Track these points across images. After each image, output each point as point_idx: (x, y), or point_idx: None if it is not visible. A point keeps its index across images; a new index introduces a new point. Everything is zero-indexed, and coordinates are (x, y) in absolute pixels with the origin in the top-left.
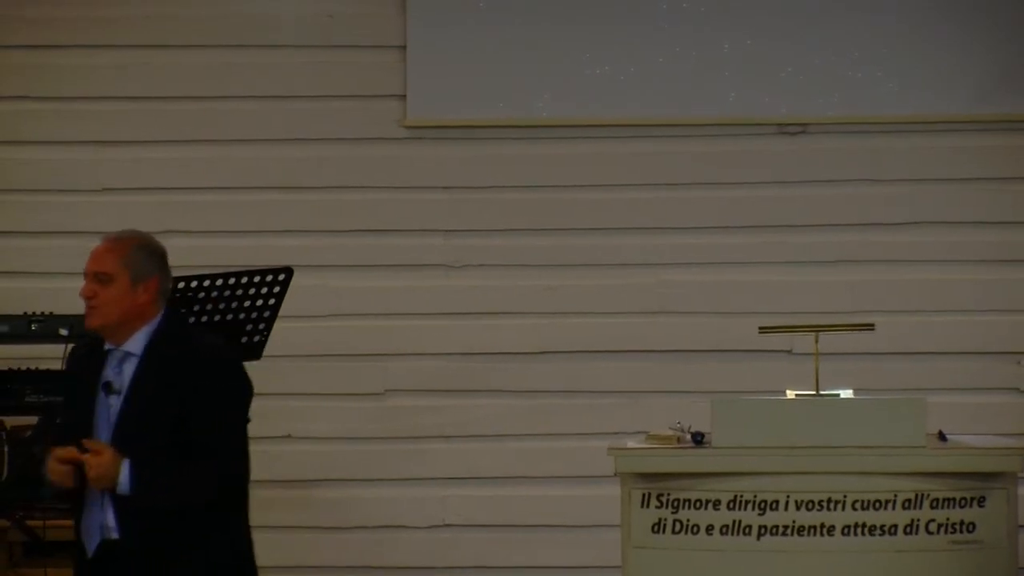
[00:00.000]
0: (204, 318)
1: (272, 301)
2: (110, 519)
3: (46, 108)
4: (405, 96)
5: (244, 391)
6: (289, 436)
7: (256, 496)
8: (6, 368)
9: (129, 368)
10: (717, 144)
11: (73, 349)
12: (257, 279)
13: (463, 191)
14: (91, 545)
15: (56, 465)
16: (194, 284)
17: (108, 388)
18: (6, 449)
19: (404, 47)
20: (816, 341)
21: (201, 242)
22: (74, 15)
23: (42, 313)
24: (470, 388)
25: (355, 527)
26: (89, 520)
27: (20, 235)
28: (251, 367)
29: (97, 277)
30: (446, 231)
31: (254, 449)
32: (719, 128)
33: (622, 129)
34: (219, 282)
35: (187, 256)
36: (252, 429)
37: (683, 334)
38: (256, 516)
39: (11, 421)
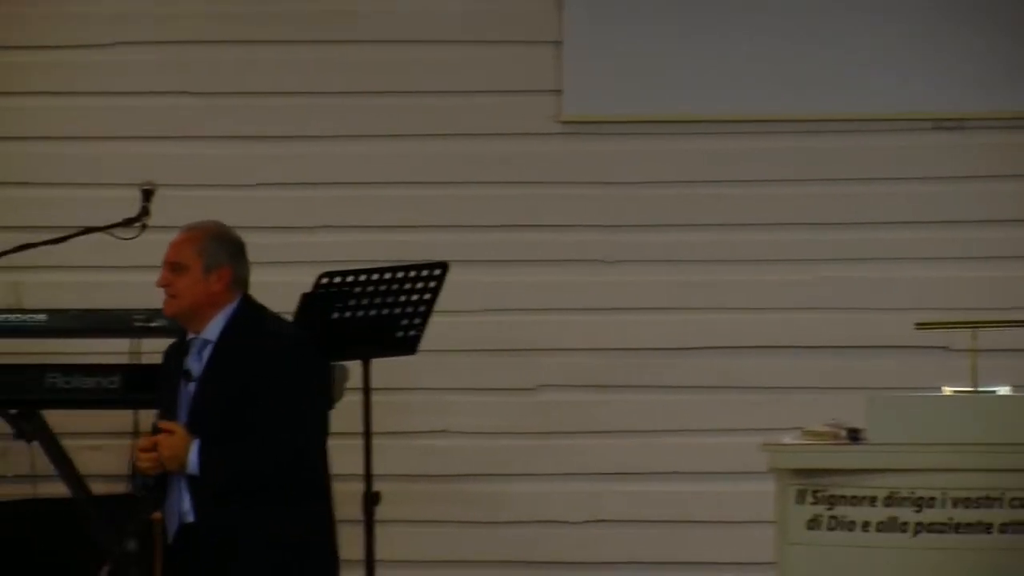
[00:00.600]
0: (359, 312)
1: (427, 296)
2: (186, 504)
3: (206, 104)
4: (561, 91)
5: (311, 376)
6: (444, 431)
7: (410, 490)
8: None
9: (206, 355)
10: (872, 140)
11: (166, 349)
12: (412, 274)
13: (618, 187)
14: (171, 531)
15: (139, 453)
16: (349, 279)
17: (187, 375)
18: None
19: (560, 42)
20: (974, 337)
21: (356, 237)
22: (238, 11)
23: None
24: (623, 384)
25: (508, 522)
26: (169, 506)
27: (175, 230)
28: (406, 362)
29: (172, 266)
30: (601, 226)
31: (411, 443)
32: (874, 123)
33: (777, 124)
34: (374, 277)
35: (342, 251)
36: (409, 423)
37: (839, 330)
38: (410, 510)
39: None
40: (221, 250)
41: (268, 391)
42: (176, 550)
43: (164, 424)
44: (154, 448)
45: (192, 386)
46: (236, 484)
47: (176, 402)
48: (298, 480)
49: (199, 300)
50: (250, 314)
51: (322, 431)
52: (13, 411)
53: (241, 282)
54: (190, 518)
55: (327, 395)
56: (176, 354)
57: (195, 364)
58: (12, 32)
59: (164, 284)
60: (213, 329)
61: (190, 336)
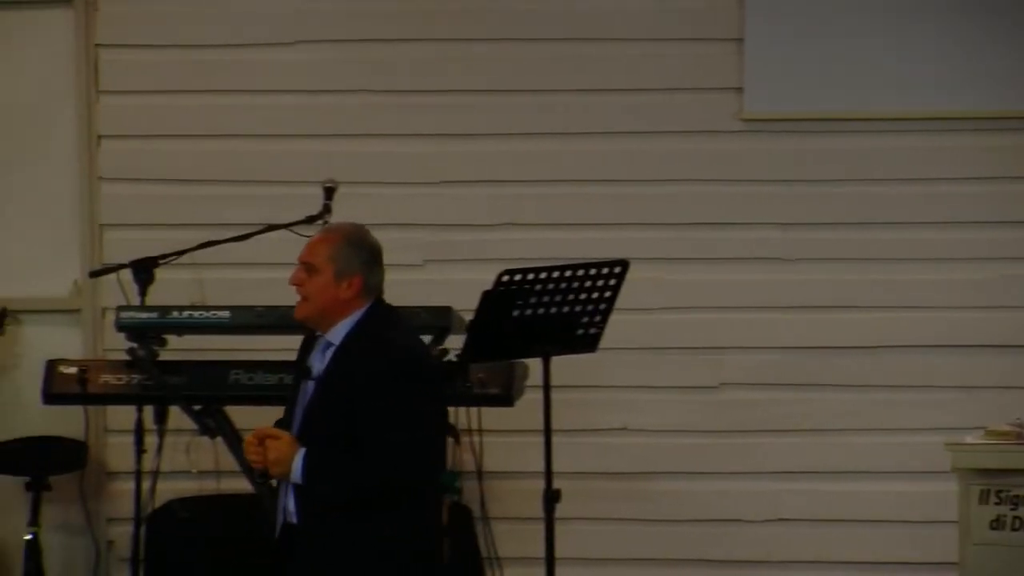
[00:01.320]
0: (540, 310)
1: (608, 294)
2: (291, 503)
3: (389, 102)
4: (742, 89)
5: (424, 390)
6: (625, 428)
7: (590, 488)
8: None
9: (328, 357)
10: None
11: (304, 338)
12: (594, 272)
13: (800, 184)
14: (277, 527)
15: (248, 447)
16: (531, 276)
17: (307, 373)
18: None
19: (741, 40)
20: None
21: (539, 235)
22: (421, 8)
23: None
24: (805, 382)
25: (689, 520)
26: (277, 503)
27: None
28: (586, 359)
29: (305, 267)
30: (782, 224)
31: (591, 440)
32: None
33: (961, 122)
34: (555, 275)
35: (524, 249)
36: (589, 421)
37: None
38: (590, 508)
39: None
40: (354, 257)
41: (379, 405)
42: (279, 548)
43: (271, 430)
44: (262, 444)
45: (310, 385)
46: (339, 496)
47: (295, 397)
48: (404, 490)
49: (328, 305)
50: (375, 322)
51: (432, 444)
52: (197, 407)
53: (372, 289)
54: (294, 519)
55: (441, 410)
56: (305, 349)
57: (317, 363)
58: (196, 31)
59: (296, 283)
60: (338, 332)
61: (318, 333)
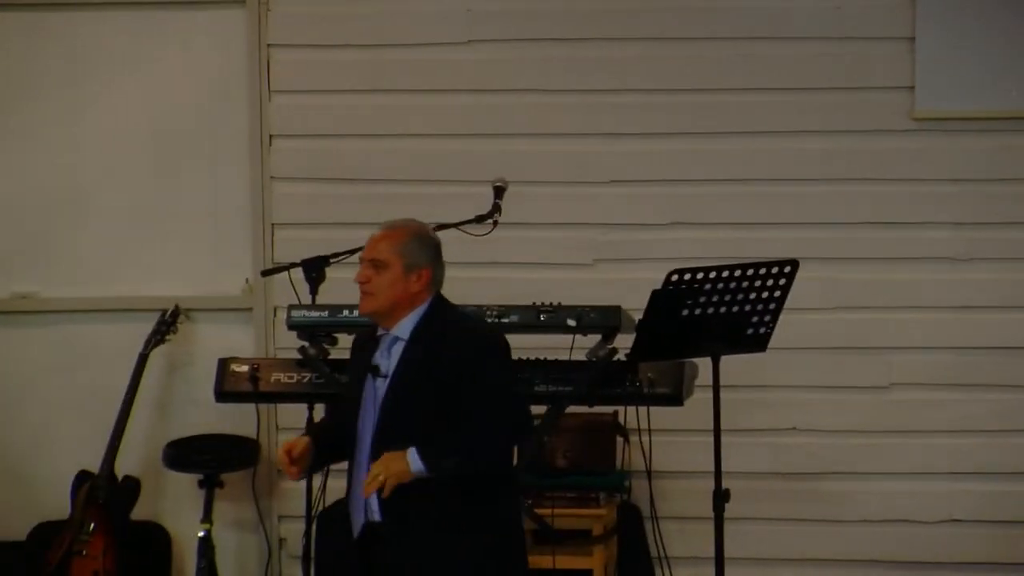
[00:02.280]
0: (710, 310)
1: (778, 293)
2: (374, 502)
3: (559, 101)
4: (914, 87)
5: (509, 373)
6: (794, 428)
7: (760, 487)
8: (516, 358)
9: (396, 352)
10: None
11: (355, 337)
12: (763, 271)
13: (972, 183)
14: (357, 526)
15: (281, 454)
16: (700, 276)
17: (375, 371)
18: None
19: (913, 38)
20: None
21: (708, 234)
22: (592, 8)
23: (550, 304)
24: (976, 382)
25: (859, 520)
26: (355, 501)
27: (530, 226)
28: (756, 359)
29: (372, 263)
30: (955, 224)
31: (761, 440)
32: None
33: None
34: (725, 274)
35: (694, 248)
36: (758, 421)
37: None
38: (760, 508)
39: None
40: (422, 251)
41: (477, 384)
42: (362, 546)
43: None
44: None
45: (381, 383)
46: (458, 472)
47: (361, 397)
48: (493, 479)
49: (397, 299)
50: (442, 313)
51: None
52: None
53: (437, 283)
54: (377, 517)
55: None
56: (363, 348)
57: (384, 360)
58: (367, 31)
59: (363, 281)
60: (405, 327)
61: (380, 332)
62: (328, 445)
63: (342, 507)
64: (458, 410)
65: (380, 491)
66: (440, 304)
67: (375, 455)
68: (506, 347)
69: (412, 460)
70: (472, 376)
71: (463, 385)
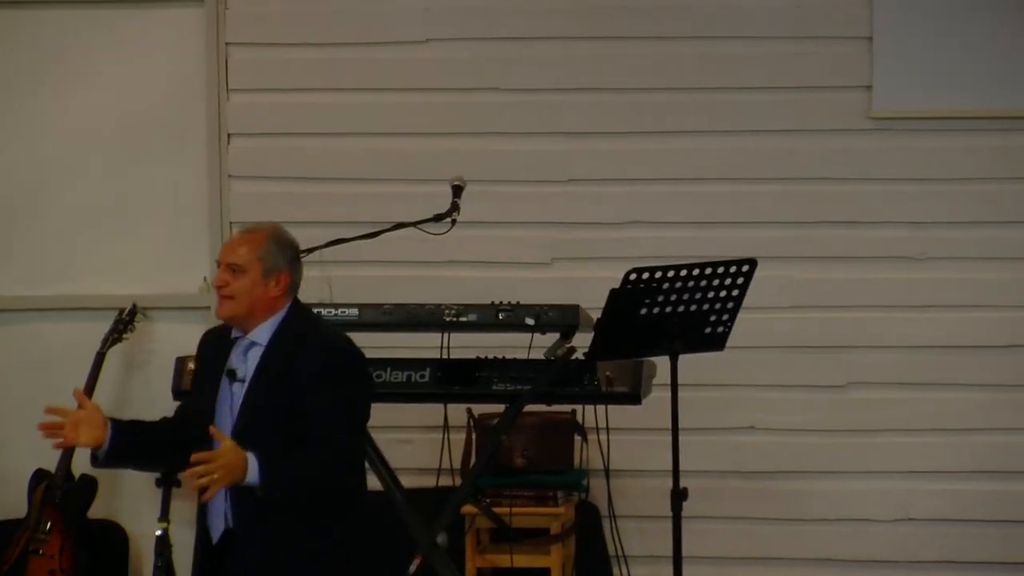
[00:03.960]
0: (668, 308)
1: (735, 292)
2: (229, 508)
3: (517, 100)
4: (871, 87)
5: (360, 387)
6: (752, 427)
7: (719, 486)
8: (473, 357)
9: (253, 357)
10: None
11: (203, 335)
12: (721, 270)
13: (929, 183)
14: (216, 532)
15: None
16: (658, 275)
17: (232, 375)
18: (474, 437)
19: (870, 38)
20: None
21: (666, 233)
22: (552, 6)
23: (509, 303)
24: (933, 381)
25: (816, 519)
26: (214, 508)
27: (489, 225)
28: (714, 358)
29: (230, 268)
30: (912, 223)
31: (718, 439)
32: None
33: None
34: (683, 273)
35: (651, 247)
36: (717, 420)
37: None
38: (718, 506)
39: (479, 409)
40: (280, 254)
41: (322, 400)
42: (220, 553)
43: (209, 454)
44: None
45: (238, 387)
46: (296, 494)
47: (215, 400)
48: (341, 491)
49: (256, 304)
50: (301, 319)
51: (362, 444)
52: None
53: (295, 287)
54: (232, 523)
55: (368, 408)
56: (216, 349)
57: (241, 365)
58: (325, 29)
59: (221, 285)
60: (263, 332)
61: (235, 335)
62: (138, 439)
63: (201, 511)
64: (301, 426)
65: (239, 504)
66: (298, 310)
67: None
68: (362, 359)
69: (250, 469)
70: (320, 388)
71: (312, 395)
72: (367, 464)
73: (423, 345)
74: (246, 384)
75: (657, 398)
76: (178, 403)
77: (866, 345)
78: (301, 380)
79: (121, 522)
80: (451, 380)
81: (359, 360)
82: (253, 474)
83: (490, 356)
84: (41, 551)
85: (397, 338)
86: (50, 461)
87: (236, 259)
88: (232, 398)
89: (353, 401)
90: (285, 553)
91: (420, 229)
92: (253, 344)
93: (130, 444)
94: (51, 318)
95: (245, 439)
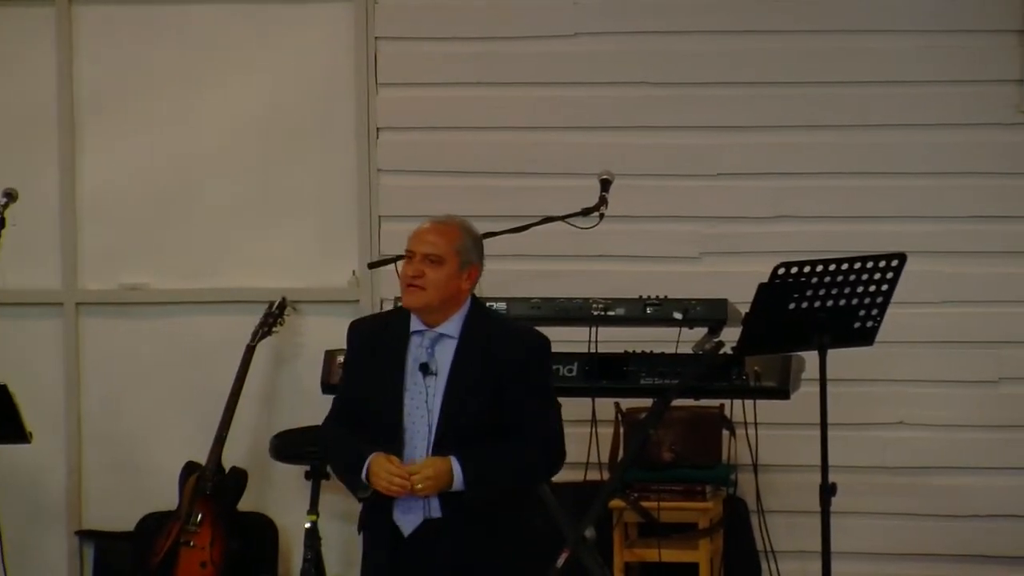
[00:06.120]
0: (816, 303)
1: (885, 287)
2: (434, 499)
3: (666, 94)
4: (1022, 81)
5: (551, 369)
6: (901, 423)
7: (867, 482)
8: (621, 351)
9: (443, 350)
10: None
11: (354, 324)
12: (870, 264)
13: None
14: (410, 524)
15: (384, 478)
16: (807, 269)
17: (425, 369)
18: (622, 431)
19: (1022, 31)
20: None
21: (815, 227)
22: (689, 1)
23: (657, 297)
24: None
25: (967, 515)
26: (404, 503)
27: (637, 219)
28: (863, 352)
29: (428, 259)
30: None
31: (868, 434)
32: None
33: None
34: (832, 267)
35: (800, 242)
36: (865, 415)
37: None
38: (866, 502)
39: (626, 403)
40: (474, 248)
41: (530, 389)
42: (416, 544)
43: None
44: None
45: (431, 381)
46: (506, 487)
47: (401, 393)
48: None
49: (449, 296)
50: (482, 312)
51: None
52: None
53: (477, 282)
54: (437, 514)
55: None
56: (385, 339)
57: (429, 358)
58: (474, 23)
59: (416, 275)
60: (452, 325)
61: (416, 328)
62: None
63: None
64: (508, 413)
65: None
66: (479, 303)
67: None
68: (550, 348)
69: (456, 477)
70: (527, 376)
71: (518, 385)
72: None
73: (571, 339)
74: (443, 377)
75: (805, 393)
76: (332, 396)
77: (1018, 340)
78: (503, 370)
79: (270, 514)
80: (599, 374)
81: (549, 347)
82: (459, 480)
83: (638, 350)
84: (192, 543)
85: (545, 332)
86: (201, 453)
87: (435, 250)
88: (427, 392)
89: (553, 388)
90: (485, 538)
91: (568, 223)
92: (442, 336)
93: None
94: (202, 311)
95: (450, 434)
